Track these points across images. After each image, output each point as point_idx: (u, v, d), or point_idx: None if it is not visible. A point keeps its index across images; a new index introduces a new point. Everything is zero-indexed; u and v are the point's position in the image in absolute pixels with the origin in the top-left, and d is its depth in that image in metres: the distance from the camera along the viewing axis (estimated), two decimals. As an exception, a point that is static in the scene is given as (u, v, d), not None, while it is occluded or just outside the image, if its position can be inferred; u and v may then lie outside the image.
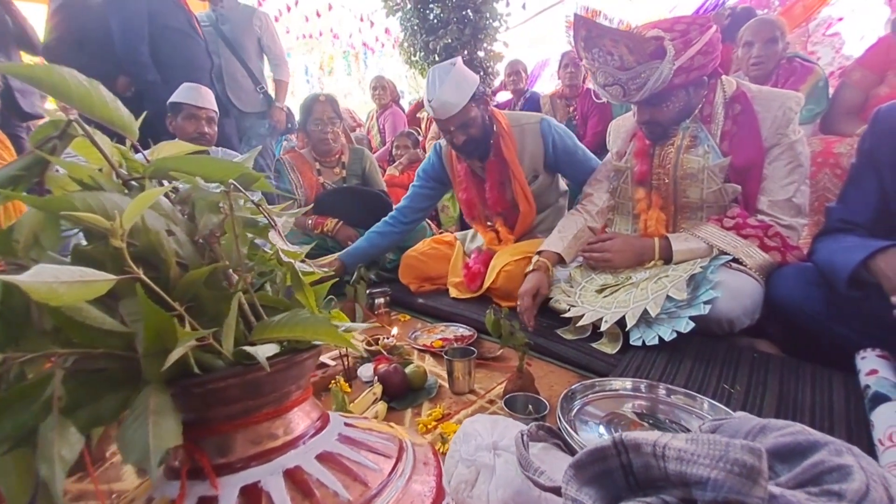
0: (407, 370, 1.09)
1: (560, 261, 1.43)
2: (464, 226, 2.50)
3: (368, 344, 1.30)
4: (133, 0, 2.04)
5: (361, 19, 5.92)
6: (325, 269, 0.49)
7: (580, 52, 1.25)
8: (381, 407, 0.94)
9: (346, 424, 0.42)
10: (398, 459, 0.39)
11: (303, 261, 0.44)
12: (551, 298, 1.38)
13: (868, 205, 1.01)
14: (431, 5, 4.48)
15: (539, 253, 1.44)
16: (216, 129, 2.09)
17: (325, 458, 0.36)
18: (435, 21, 4.42)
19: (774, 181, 1.15)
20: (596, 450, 0.36)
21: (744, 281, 1.08)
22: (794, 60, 1.82)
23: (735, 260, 1.13)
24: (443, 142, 1.81)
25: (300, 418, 0.38)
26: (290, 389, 0.38)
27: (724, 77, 1.24)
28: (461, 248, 1.95)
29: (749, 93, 1.20)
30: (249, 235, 0.41)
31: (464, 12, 4.38)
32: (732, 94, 1.21)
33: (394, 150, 3.34)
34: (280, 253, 0.38)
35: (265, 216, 0.38)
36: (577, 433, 0.78)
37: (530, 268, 1.39)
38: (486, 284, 1.61)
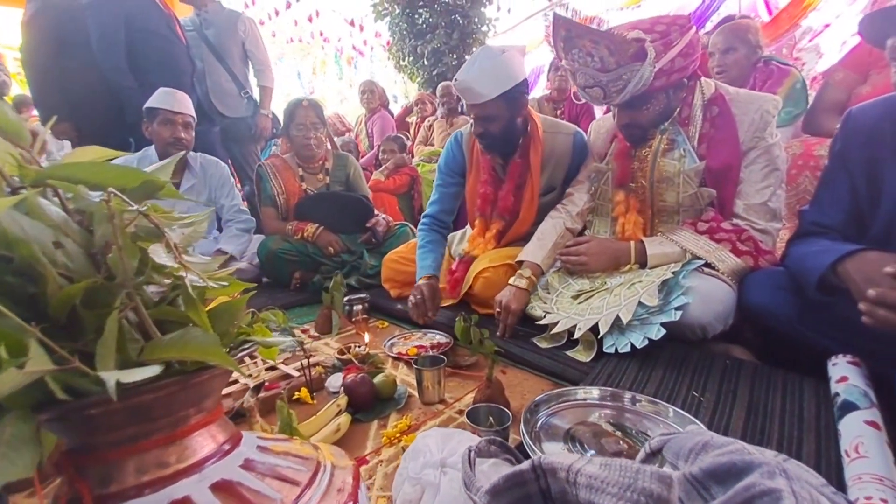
0: (376, 380, 1.06)
1: (542, 272, 1.41)
2: (454, 228, 2.47)
3: (341, 353, 1.27)
4: (109, 4, 2.01)
5: (352, 24, 5.91)
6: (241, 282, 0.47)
7: (560, 52, 1.23)
8: (344, 420, 0.92)
9: (260, 448, 0.39)
10: (307, 486, 0.36)
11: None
12: (528, 305, 1.36)
13: (840, 207, 0.99)
14: (420, 10, 4.48)
15: (521, 263, 1.42)
16: (193, 134, 2.07)
17: (220, 487, 0.33)
18: (423, 25, 4.42)
19: (750, 185, 1.13)
20: (514, 474, 0.34)
21: (716, 286, 1.07)
22: (770, 63, 1.82)
23: (708, 264, 1.11)
24: (464, 130, 1.72)
25: (201, 444, 0.36)
26: (186, 413, 0.35)
27: (703, 79, 1.23)
28: (447, 251, 1.92)
29: (727, 95, 1.18)
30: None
31: (452, 17, 4.38)
32: (711, 97, 1.20)
33: (380, 154, 3.32)
34: (182, 266, 0.36)
35: (155, 226, 0.35)
36: (540, 446, 0.76)
37: (521, 283, 1.34)
38: (464, 290, 1.59)
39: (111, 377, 0.26)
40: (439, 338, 1.43)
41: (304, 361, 1.02)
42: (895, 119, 0.90)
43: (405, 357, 1.29)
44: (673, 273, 1.08)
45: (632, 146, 1.29)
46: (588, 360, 1.12)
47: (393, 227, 2.27)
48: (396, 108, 5.03)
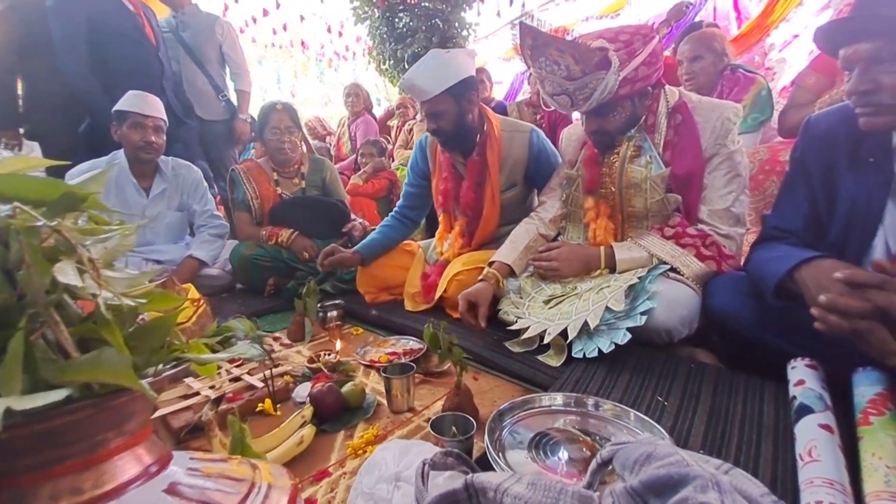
0: (344, 389, 1.04)
1: (511, 272, 1.42)
2: (430, 234, 2.47)
3: (311, 361, 1.25)
4: (71, 5, 1.96)
5: (328, 30, 5.87)
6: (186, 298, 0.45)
7: (528, 60, 1.25)
8: (308, 431, 0.90)
9: (190, 470, 0.38)
10: (236, 510, 0.35)
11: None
12: (500, 310, 1.36)
13: (799, 213, 1.01)
14: (400, 14, 4.48)
15: (490, 263, 1.43)
16: (164, 138, 2.02)
17: (138, 514, 0.32)
18: (403, 29, 4.41)
19: (714, 191, 1.16)
20: (448, 493, 0.33)
21: (680, 291, 1.08)
22: (737, 71, 1.86)
23: (674, 269, 1.12)
24: (428, 135, 1.79)
25: (122, 468, 0.34)
26: (105, 437, 0.34)
27: (667, 87, 1.25)
28: (423, 256, 1.92)
29: (690, 103, 1.21)
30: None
31: (432, 21, 4.39)
32: (674, 104, 1.22)
33: (359, 158, 3.30)
34: (97, 283, 0.34)
35: (66, 241, 0.33)
36: (504, 455, 0.76)
37: (480, 277, 1.37)
38: (438, 293, 1.58)
39: (1, 404, 0.25)
40: (413, 344, 1.42)
41: (268, 372, 0.99)
42: (849, 127, 0.92)
43: (377, 364, 1.27)
44: (639, 278, 1.09)
45: (600, 153, 1.30)
46: (558, 364, 1.12)
47: (370, 231, 2.24)
48: (379, 112, 5.01)
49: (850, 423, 0.75)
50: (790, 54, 3.14)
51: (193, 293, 1.27)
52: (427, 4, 4.48)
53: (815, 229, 1.00)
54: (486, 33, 5.28)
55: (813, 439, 0.69)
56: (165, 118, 2.02)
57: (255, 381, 1.02)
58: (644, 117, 1.23)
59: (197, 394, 1.03)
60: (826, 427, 0.71)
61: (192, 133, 2.58)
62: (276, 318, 1.82)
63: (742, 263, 1.11)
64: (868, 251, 0.91)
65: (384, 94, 6.73)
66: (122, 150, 2.02)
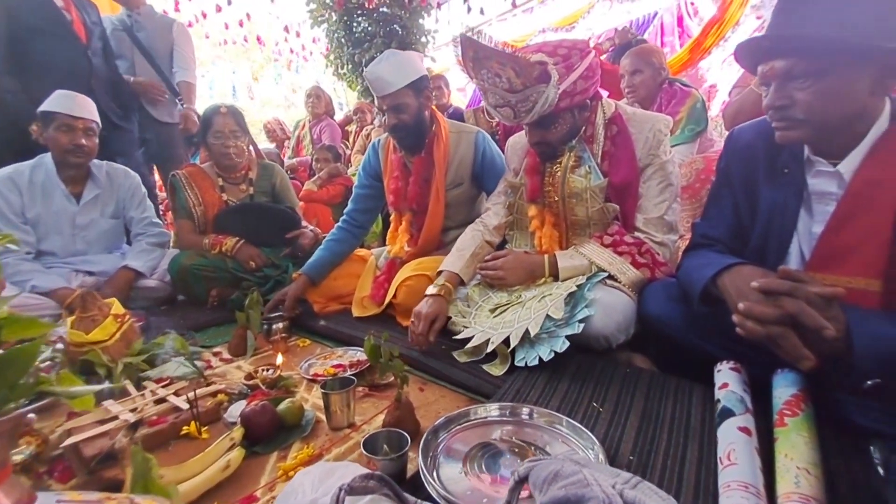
0: (280, 407, 1.00)
1: (460, 281, 1.41)
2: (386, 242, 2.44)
3: (248, 378, 1.19)
4: None
5: (286, 30, 5.74)
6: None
7: (470, 73, 1.25)
8: (236, 455, 0.85)
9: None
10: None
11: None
12: (449, 318, 1.35)
13: (725, 221, 1.06)
14: (358, 18, 4.43)
15: (440, 273, 1.41)
16: (97, 141, 1.90)
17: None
18: (361, 34, 4.37)
19: (648, 200, 1.20)
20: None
21: (617, 298, 1.11)
22: (674, 85, 1.96)
23: (612, 276, 1.15)
24: (381, 137, 1.84)
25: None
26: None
27: (603, 99, 1.28)
28: (374, 263, 1.89)
29: (625, 115, 1.24)
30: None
31: (390, 27, 4.37)
32: (611, 116, 1.25)
33: (314, 163, 3.23)
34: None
35: None
36: (437, 472, 0.74)
37: (433, 290, 1.34)
38: (388, 299, 1.56)
39: None
40: (360, 355, 1.38)
41: (191, 393, 0.94)
42: (767, 140, 0.97)
43: (320, 378, 1.23)
44: (577, 286, 1.11)
45: (543, 162, 1.32)
46: (501, 373, 1.12)
47: (321, 238, 2.19)
48: (339, 117, 4.93)
49: (769, 424, 0.78)
50: (730, 71, 3.33)
51: (118, 308, 1.19)
52: (385, 10, 4.46)
53: (740, 237, 1.05)
54: (447, 40, 5.31)
55: (732, 442, 0.71)
56: (98, 120, 1.89)
57: (181, 402, 0.95)
58: (584, 128, 1.25)
59: (115, 418, 0.95)
60: (745, 430, 0.73)
61: (129, 137, 2.44)
62: (218, 332, 1.73)
63: (675, 270, 1.15)
64: (785, 257, 0.96)
65: (344, 99, 6.65)
66: (48, 154, 1.88)
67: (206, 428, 0.97)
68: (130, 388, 1.05)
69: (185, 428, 0.94)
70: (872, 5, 0.74)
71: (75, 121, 1.83)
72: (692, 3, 4.40)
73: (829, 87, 0.78)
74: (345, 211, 1.89)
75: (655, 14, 4.72)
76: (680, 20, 4.42)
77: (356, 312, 1.67)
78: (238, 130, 2.01)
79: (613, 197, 1.22)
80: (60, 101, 1.82)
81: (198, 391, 1.00)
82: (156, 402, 1.01)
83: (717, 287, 0.88)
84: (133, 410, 0.97)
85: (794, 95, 0.81)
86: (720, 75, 3.37)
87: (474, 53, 1.17)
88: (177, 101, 2.69)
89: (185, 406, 0.95)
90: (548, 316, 1.08)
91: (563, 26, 5.19)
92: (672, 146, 1.92)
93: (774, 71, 0.82)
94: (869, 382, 0.71)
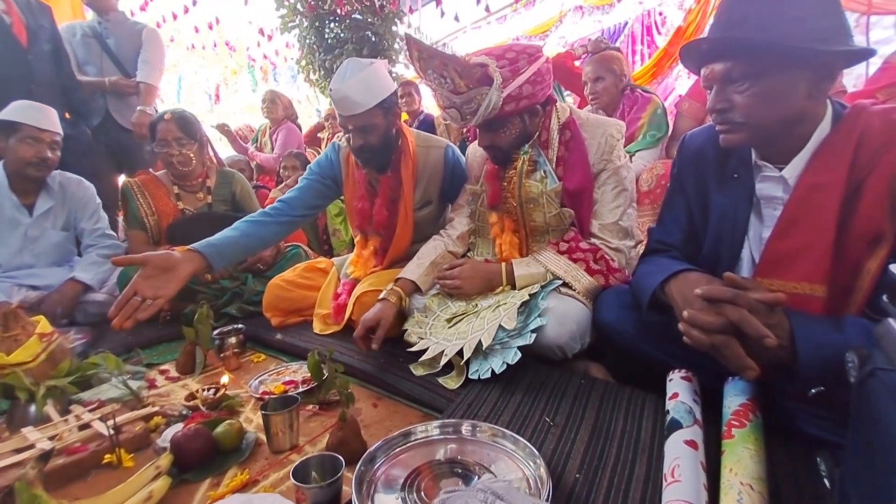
0: (217, 430, 0.93)
1: (416, 289, 1.37)
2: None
3: (189, 398, 1.12)
4: None
5: (262, 33, 5.65)
6: None
7: (419, 72, 1.23)
8: (160, 485, 0.78)
9: None
10: None
11: None
12: (405, 330, 1.30)
13: (679, 226, 1.05)
14: (330, 25, 4.38)
15: (396, 280, 1.37)
16: (59, 154, 1.83)
17: None
18: (333, 40, 4.32)
19: (603, 205, 1.18)
20: None
21: (571, 306, 1.08)
22: (635, 91, 1.98)
23: (567, 284, 1.13)
24: (343, 142, 1.65)
25: None
26: None
27: (558, 105, 1.27)
28: (336, 274, 1.82)
29: (578, 120, 1.23)
30: None
31: (363, 34, 4.33)
32: (565, 121, 1.24)
33: (281, 170, 3.15)
34: None
35: None
36: (372, 501, 0.69)
37: (382, 295, 1.30)
38: (346, 315, 1.50)
39: None
40: (314, 371, 1.32)
41: (111, 419, 0.87)
42: (717, 145, 0.96)
43: (269, 397, 1.17)
44: (530, 295, 1.08)
45: (500, 168, 1.30)
46: (456, 386, 1.07)
47: (284, 249, 2.12)
48: (308, 123, 4.86)
49: (720, 435, 0.76)
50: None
51: (44, 326, 1.11)
52: (358, 17, 4.42)
53: (694, 242, 1.03)
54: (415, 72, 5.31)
55: (677, 457, 0.69)
56: (61, 132, 1.83)
57: (105, 427, 0.88)
58: (538, 133, 1.24)
59: (32, 447, 0.88)
60: (691, 443, 0.71)
61: (77, 146, 2.34)
62: (170, 348, 1.65)
63: (630, 276, 1.13)
64: (738, 263, 0.95)
65: (321, 105, 6.57)
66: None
67: (132, 456, 0.90)
68: (53, 413, 0.97)
69: (106, 456, 0.87)
70: (806, 10, 0.74)
71: (42, 133, 1.78)
72: (660, 14, 4.50)
73: (765, 89, 0.77)
74: (281, 198, 1.63)
75: (626, 24, 4.81)
76: (648, 30, 4.52)
77: (317, 329, 1.61)
78: (183, 137, 1.92)
79: (568, 202, 1.20)
80: (26, 112, 1.77)
81: (126, 415, 0.93)
82: (80, 429, 0.94)
83: (665, 294, 0.86)
84: (53, 438, 0.90)
85: (733, 98, 0.80)
86: (687, 84, 3.44)
87: (419, 53, 1.15)
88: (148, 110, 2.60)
89: (107, 432, 0.88)
90: (501, 326, 1.04)
91: (536, 34, 5.25)
92: (634, 152, 1.95)
93: (714, 74, 0.82)
94: (813, 391, 0.70)
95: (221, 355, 1.46)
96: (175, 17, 4.98)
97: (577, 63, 2.61)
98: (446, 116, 1.21)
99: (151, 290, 1.16)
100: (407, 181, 1.54)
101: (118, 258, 1.19)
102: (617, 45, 4.66)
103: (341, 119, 1.44)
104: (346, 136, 1.47)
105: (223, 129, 3.85)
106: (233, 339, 1.51)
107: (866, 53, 0.77)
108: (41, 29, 2.18)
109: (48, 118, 1.80)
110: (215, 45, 5.94)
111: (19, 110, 1.76)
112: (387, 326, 1.19)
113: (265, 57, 6.31)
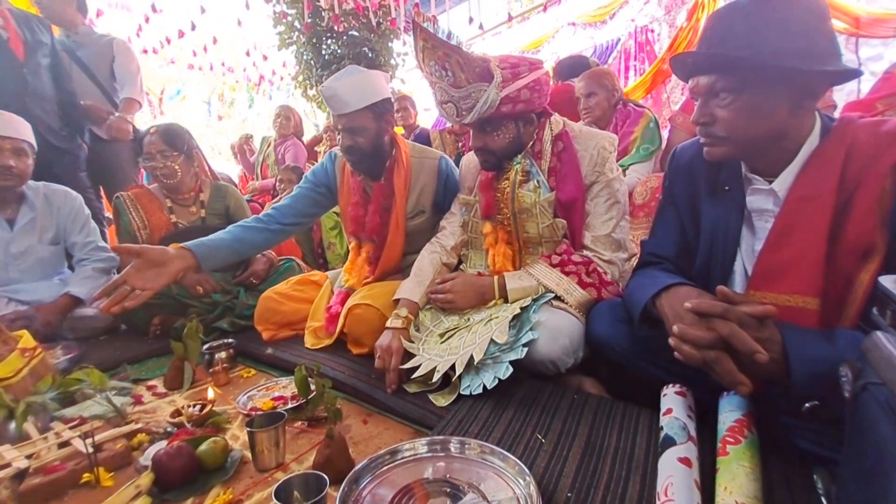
0: (201, 448, 0.91)
1: (419, 309, 1.35)
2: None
3: (174, 415, 1.09)
4: None
5: (254, 51, 5.71)
6: None
7: (420, 63, 1.25)
8: (140, 504, 0.76)
9: None
10: None
11: None
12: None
13: (671, 239, 1.04)
14: (327, 41, 4.45)
15: (397, 301, 1.35)
16: (30, 162, 1.80)
17: None
18: (330, 56, 4.38)
19: (596, 217, 1.18)
20: None
21: (563, 320, 1.07)
22: (628, 106, 2.00)
23: (560, 297, 1.11)
24: (339, 151, 1.66)
25: None
26: None
27: (553, 117, 1.28)
28: (329, 287, 1.80)
29: (571, 132, 1.24)
30: None
31: (360, 50, 4.39)
32: (558, 133, 1.25)
33: (277, 184, 3.15)
34: None
35: None
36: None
37: (397, 323, 1.26)
38: (338, 328, 1.48)
39: None
40: (305, 386, 1.30)
41: (90, 438, 0.84)
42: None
43: (257, 413, 1.14)
44: (522, 308, 1.07)
45: (494, 177, 1.30)
46: (447, 403, 1.05)
47: (276, 262, 2.11)
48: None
49: (714, 451, 0.74)
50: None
51: (27, 341, 1.09)
52: (355, 33, 4.49)
53: (686, 255, 1.03)
54: (416, 63, 5.38)
55: (671, 475, 0.67)
56: (31, 140, 1.80)
57: (84, 445, 0.86)
58: (531, 144, 1.24)
59: (8, 465, 0.85)
60: (685, 461, 0.69)
61: (73, 160, 2.33)
62: (159, 363, 1.62)
63: (622, 290, 1.12)
64: (730, 275, 0.95)
65: (319, 121, 6.63)
66: None
67: (112, 475, 0.87)
68: (32, 430, 0.94)
69: (85, 475, 0.85)
70: (788, 29, 0.74)
71: (2, 141, 1.72)
72: (651, 31, 4.59)
73: (747, 104, 0.78)
74: (271, 206, 1.65)
75: (618, 40, 4.90)
76: (641, 46, 4.59)
77: (308, 343, 1.58)
78: (167, 150, 1.90)
79: (561, 213, 1.20)
80: None
81: (107, 433, 0.90)
82: (59, 446, 0.91)
83: (656, 308, 0.85)
84: (30, 456, 0.87)
85: (716, 112, 0.81)
86: (680, 100, 3.49)
87: (424, 42, 1.17)
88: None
89: (87, 450, 0.85)
90: (492, 340, 1.03)
91: (529, 50, 5.33)
92: (627, 165, 1.96)
93: (699, 87, 0.82)
94: (807, 405, 0.68)
95: (210, 370, 1.44)
96: (169, 41, 5.03)
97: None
98: (443, 112, 1.22)
99: (140, 281, 1.22)
100: (399, 190, 1.56)
101: (117, 246, 1.25)
102: (609, 61, 4.75)
103: (334, 119, 1.48)
104: (338, 137, 1.50)
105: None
106: (222, 354, 1.49)
107: (851, 74, 0.77)
108: (39, 44, 2.19)
109: (10, 125, 1.74)
110: (212, 68, 6.00)
111: None
112: (400, 356, 1.16)
113: (262, 77, 6.38)
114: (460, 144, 3.34)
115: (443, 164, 1.62)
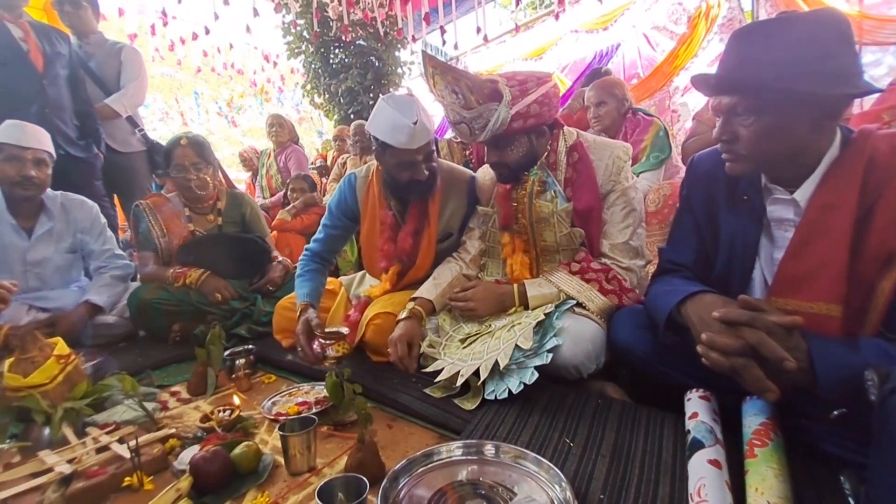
0: (234, 452, 0.93)
1: (432, 309, 1.38)
2: (361, 268, 2.38)
3: (204, 420, 1.12)
4: None
5: (266, 59, 5.79)
6: None
7: (431, 88, 1.27)
8: (181, 507, 0.78)
9: None
10: None
11: None
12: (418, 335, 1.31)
13: (689, 247, 1.06)
14: (334, 50, 4.50)
15: (413, 299, 1.38)
16: (49, 172, 1.83)
17: None
18: (338, 65, 4.43)
19: (613, 225, 1.20)
20: None
21: (586, 326, 1.09)
22: (637, 114, 2.03)
23: (581, 304, 1.14)
24: (358, 172, 1.65)
25: None
26: None
27: (565, 128, 1.31)
28: (345, 295, 1.83)
29: (585, 142, 1.27)
30: None
31: (367, 59, 4.45)
32: (572, 143, 1.28)
33: (288, 192, 3.19)
34: None
35: None
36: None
37: (403, 314, 1.31)
38: (358, 337, 1.50)
39: None
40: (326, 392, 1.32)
41: (133, 442, 0.87)
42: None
43: (283, 418, 1.16)
44: (546, 315, 1.09)
45: (511, 188, 1.32)
46: (473, 407, 1.07)
47: (292, 269, 2.13)
48: (318, 142, 4.94)
49: (741, 454, 0.76)
50: (690, 99, 3.49)
51: (62, 348, 1.11)
52: (362, 43, 4.54)
53: (705, 262, 1.05)
54: (421, 72, 5.44)
55: (702, 477, 0.69)
56: (51, 150, 1.83)
57: (124, 450, 0.88)
58: (546, 155, 1.27)
59: (50, 470, 0.87)
60: (714, 463, 0.71)
61: (89, 168, 2.37)
62: (179, 369, 1.64)
63: (642, 295, 1.14)
64: (749, 283, 0.97)
65: (324, 127, 6.69)
66: None
67: (151, 478, 0.89)
68: (70, 435, 0.96)
69: (126, 479, 0.87)
70: (808, 53, 0.76)
71: (23, 151, 1.75)
72: (650, 38, 4.64)
73: (768, 125, 0.80)
74: (310, 248, 1.71)
75: (619, 45, 4.95)
76: (641, 52, 4.64)
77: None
78: (200, 162, 1.95)
79: (578, 223, 1.22)
80: (8, 131, 1.76)
81: (145, 437, 0.93)
82: (98, 451, 0.93)
83: (681, 315, 0.87)
84: (71, 461, 0.89)
85: (738, 131, 0.83)
86: (690, 101, 3.52)
87: (433, 69, 1.20)
88: (135, 130, 2.65)
89: (128, 454, 0.88)
90: (517, 346, 1.05)
91: (532, 57, 5.38)
92: (638, 173, 1.98)
93: (721, 106, 0.85)
94: (835, 413, 0.70)
95: (233, 376, 1.46)
96: (183, 41, 5.09)
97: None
98: (456, 133, 1.25)
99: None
100: (433, 214, 1.54)
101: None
102: (609, 66, 4.79)
103: (406, 154, 1.36)
104: (407, 172, 1.41)
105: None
106: (243, 360, 1.51)
107: (870, 91, 0.79)
108: (58, 56, 2.23)
109: (32, 136, 1.78)
110: (225, 67, 6.05)
111: (2, 130, 1.75)
112: (418, 342, 1.20)
113: (269, 81, 6.45)
114: (468, 153, 3.37)
115: (471, 186, 1.59)
